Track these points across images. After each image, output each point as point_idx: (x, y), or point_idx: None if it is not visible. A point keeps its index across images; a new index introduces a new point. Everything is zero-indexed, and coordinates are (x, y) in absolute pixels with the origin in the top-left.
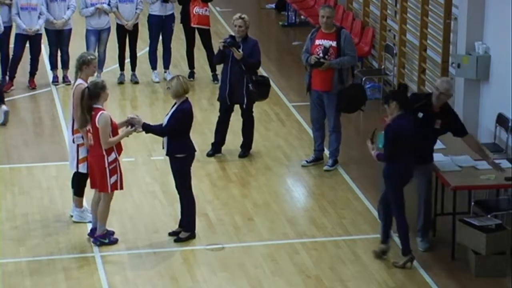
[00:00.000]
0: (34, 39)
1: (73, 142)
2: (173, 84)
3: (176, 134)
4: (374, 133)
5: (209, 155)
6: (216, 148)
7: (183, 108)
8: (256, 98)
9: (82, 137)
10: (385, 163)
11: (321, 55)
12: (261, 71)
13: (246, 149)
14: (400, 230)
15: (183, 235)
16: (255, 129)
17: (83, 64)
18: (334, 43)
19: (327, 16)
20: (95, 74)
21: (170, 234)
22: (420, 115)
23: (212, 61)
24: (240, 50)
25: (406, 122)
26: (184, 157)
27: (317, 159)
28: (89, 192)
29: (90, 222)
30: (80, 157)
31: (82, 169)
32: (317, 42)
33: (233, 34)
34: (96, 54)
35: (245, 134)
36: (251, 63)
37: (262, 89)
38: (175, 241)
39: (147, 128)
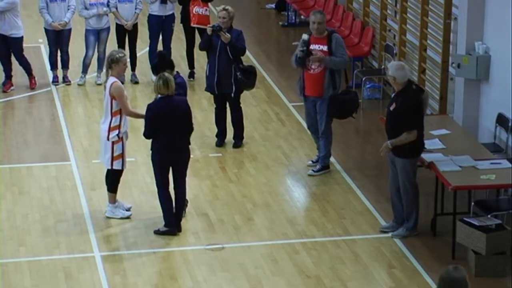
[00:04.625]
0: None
1: (108, 139)
2: (155, 81)
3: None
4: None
5: (218, 145)
6: (221, 138)
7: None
8: (245, 87)
9: (118, 135)
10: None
11: (301, 48)
12: (261, 71)
13: (239, 139)
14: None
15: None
16: (255, 128)
17: (112, 63)
18: (325, 47)
19: (318, 22)
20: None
21: None
22: (392, 95)
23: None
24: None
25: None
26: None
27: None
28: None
29: (121, 218)
30: (115, 154)
31: (117, 166)
32: (311, 47)
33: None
34: (96, 53)
35: (236, 124)
36: (238, 47)
37: (250, 78)
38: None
39: None
